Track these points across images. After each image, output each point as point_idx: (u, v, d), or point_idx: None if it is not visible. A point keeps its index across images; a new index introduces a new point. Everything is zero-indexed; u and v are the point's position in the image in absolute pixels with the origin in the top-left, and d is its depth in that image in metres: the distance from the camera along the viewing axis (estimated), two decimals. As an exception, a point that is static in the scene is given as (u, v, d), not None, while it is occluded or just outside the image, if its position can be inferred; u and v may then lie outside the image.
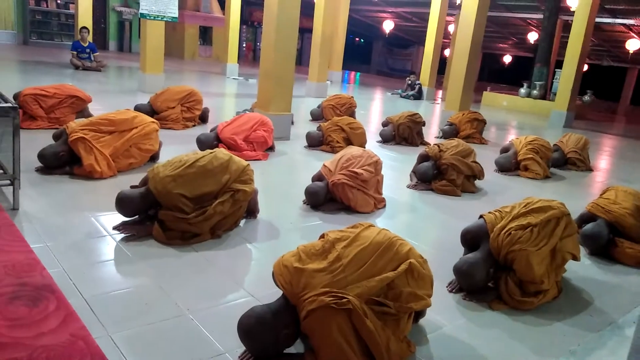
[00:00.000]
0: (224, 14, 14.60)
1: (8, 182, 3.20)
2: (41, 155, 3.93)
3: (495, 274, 2.77)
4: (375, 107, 12.25)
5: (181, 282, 2.57)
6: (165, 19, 8.83)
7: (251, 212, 3.51)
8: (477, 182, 5.10)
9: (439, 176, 4.85)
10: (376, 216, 3.95)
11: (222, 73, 14.54)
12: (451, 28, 19.77)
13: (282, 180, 4.80)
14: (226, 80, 13.45)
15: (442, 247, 3.46)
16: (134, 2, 18.42)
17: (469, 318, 2.55)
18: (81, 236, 2.94)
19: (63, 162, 3.98)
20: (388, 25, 20.36)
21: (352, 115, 8.04)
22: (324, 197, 3.88)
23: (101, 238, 2.95)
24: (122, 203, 3.01)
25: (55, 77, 9.41)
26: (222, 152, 3.32)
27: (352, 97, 8.65)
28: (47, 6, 16.67)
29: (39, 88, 5.61)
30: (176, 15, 8.99)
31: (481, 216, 2.98)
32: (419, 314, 2.35)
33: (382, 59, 31.82)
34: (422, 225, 4.00)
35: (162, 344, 2.03)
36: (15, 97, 5.34)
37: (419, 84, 14.70)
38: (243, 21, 19.97)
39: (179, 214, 2.98)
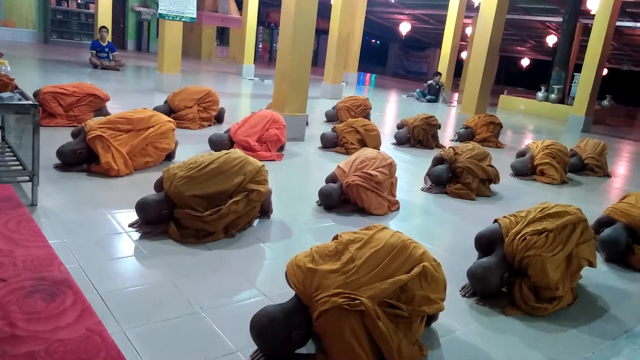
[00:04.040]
0: (241, 15, 14.68)
1: (27, 178, 3.25)
2: (60, 153, 3.99)
3: (509, 279, 2.75)
4: (390, 109, 12.21)
5: (195, 280, 2.59)
6: (183, 20, 8.90)
7: (265, 212, 3.53)
8: (493, 186, 5.05)
9: (453, 179, 4.83)
10: (390, 218, 3.94)
11: (238, 73, 14.61)
12: (468, 30, 19.65)
13: (296, 181, 4.81)
14: (242, 81, 13.52)
15: (456, 251, 3.44)
16: (153, 3, 18.63)
17: (482, 323, 2.53)
18: (97, 233, 2.98)
19: (81, 159, 4.03)
20: (405, 27, 20.29)
21: (367, 117, 8.03)
22: (337, 199, 3.88)
23: (117, 235, 2.99)
24: (144, 209, 3.03)
25: (74, 76, 9.54)
26: (237, 153, 3.34)
27: (367, 98, 8.63)
28: (68, 6, 16.93)
29: (59, 86, 5.71)
30: (194, 15, 9.05)
31: (496, 220, 2.96)
32: (432, 317, 2.34)
33: (398, 61, 31.72)
34: (436, 229, 3.98)
35: (175, 341, 2.05)
36: (35, 95, 5.43)
37: (441, 84, 14.55)
38: (260, 22, 20.04)
39: (194, 212, 3.01)
